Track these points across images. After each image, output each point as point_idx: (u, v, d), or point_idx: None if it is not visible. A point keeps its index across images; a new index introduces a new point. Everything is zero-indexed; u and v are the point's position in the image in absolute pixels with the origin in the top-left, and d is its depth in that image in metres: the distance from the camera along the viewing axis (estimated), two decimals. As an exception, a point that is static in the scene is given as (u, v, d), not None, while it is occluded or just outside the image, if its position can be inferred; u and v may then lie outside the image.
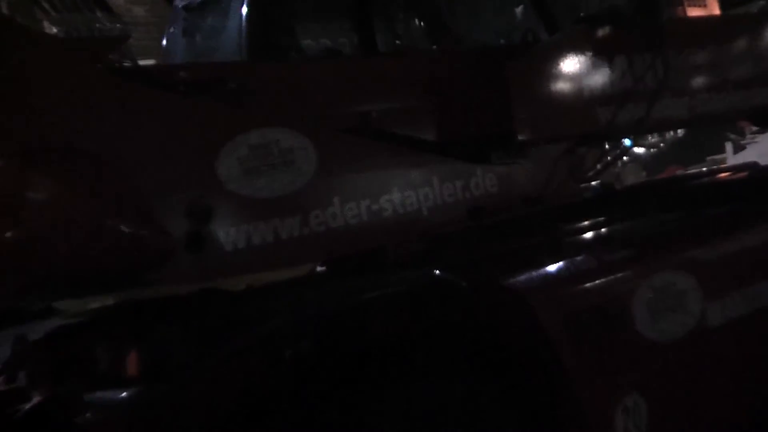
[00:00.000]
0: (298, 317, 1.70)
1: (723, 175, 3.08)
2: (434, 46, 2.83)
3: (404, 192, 1.97)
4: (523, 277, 1.83)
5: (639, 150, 8.31)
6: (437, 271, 1.84)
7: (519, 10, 2.75)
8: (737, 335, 2.09)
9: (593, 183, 2.64)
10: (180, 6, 2.77)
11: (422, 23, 2.91)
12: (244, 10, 2.29)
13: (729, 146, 7.35)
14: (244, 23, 2.28)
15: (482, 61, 2.21)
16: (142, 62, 1.88)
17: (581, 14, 2.30)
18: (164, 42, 2.88)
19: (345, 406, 1.58)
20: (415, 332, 1.72)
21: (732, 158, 6.95)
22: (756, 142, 6.36)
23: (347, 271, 1.96)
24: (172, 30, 2.80)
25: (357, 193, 1.90)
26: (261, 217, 1.77)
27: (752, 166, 2.92)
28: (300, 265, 1.94)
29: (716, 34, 2.59)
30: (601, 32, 2.18)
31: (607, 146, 2.60)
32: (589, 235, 2.26)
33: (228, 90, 1.83)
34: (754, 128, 3.11)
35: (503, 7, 2.87)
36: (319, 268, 2.06)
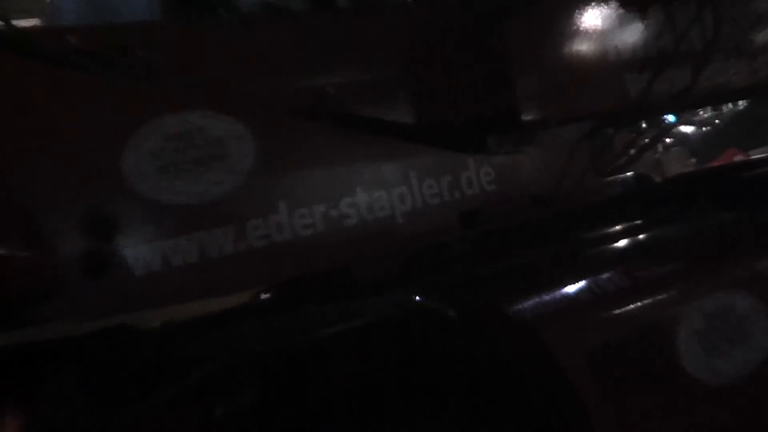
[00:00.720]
0: (234, 362, 1.64)
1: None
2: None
3: (373, 192, 1.89)
4: (532, 303, 1.73)
5: (686, 130, 7.91)
6: (417, 297, 1.78)
7: None
8: None
9: (624, 175, 2.51)
10: None
11: None
12: None
13: None
14: None
15: (475, 16, 2.09)
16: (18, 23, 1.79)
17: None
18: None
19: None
20: (389, 379, 1.65)
21: None
22: None
23: (299, 299, 1.88)
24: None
25: (310, 195, 1.83)
26: (182, 230, 1.70)
27: None
28: (236, 292, 1.86)
29: None
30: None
31: (642, 126, 2.51)
32: (619, 244, 2.15)
33: (135, 61, 1.76)
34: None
35: None
36: (262, 296, 1.99)
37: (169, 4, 2.18)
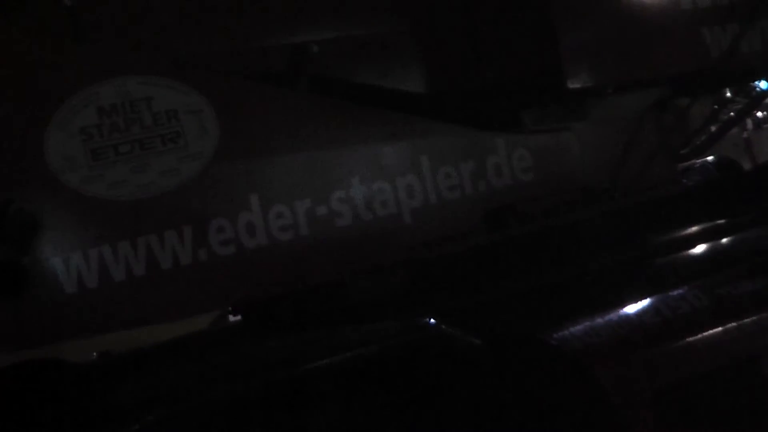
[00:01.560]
0: (191, 404, 1.67)
1: None
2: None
3: (372, 184, 1.92)
4: (578, 329, 1.75)
5: None
6: (431, 320, 1.80)
7: None
8: None
9: (703, 160, 2.54)
10: None
11: None
12: None
13: None
14: None
15: None
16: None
17: None
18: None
19: None
20: (392, 420, 1.70)
21: None
22: None
23: (277, 324, 1.92)
24: None
25: (290, 188, 1.86)
26: (123, 233, 1.72)
27: None
28: (195, 314, 1.90)
29: None
30: None
31: (726, 95, 2.55)
32: (695, 251, 2.15)
33: (62, 11, 1.79)
34: None
35: None
36: (230, 319, 2.01)
37: None
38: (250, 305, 1.95)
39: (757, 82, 2.77)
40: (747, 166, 3.15)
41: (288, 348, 1.83)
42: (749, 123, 4.84)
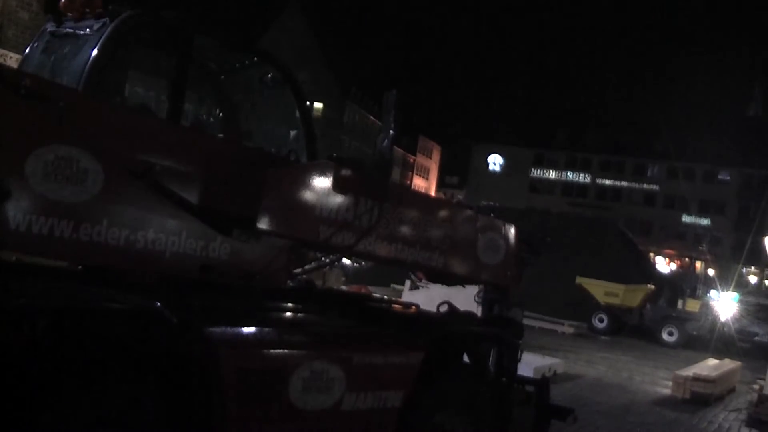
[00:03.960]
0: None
1: (396, 306, 6.17)
2: (221, 134, 4.99)
3: (157, 233, 3.93)
4: (218, 330, 3.84)
5: (347, 261, 15.94)
6: (157, 303, 3.66)
7: (293, 134, 5.16)
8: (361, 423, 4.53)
9: (301, 277, 5.11)
10: (48, 29, 4.56)
11: (220, 113, 5.17)
12: (94, 52, 4.10)
13: (408, 283, 15.66)
14: (89, 62, 4.08)
15: (252, 158, 4.40)
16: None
17: (333, 154, 4.60)
18: (27, 50, 4.66)
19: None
20: (114, 343, 3.54)
21: (407, 293, 15.11)
22: (427, 288, 11.53)
23: (95, 277, 3.89)
24: (36, 45, 4.63)
25: (122, 220, 3.80)
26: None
27: (416, 305, 6.06)
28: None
29: (424, 208, 5.16)
30: (343, 171, 4.41)
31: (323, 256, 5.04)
32: (281, 315, 4.68)
33: (54, 107, 3.55)
34: (425, 279, 6.17)
35: (282, 129, 5.28)
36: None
37: (89, 83, 4.05)
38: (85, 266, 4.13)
39: (338, 254, 5.21)
40: (319, 286, 6.01)
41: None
42: (329, 268, 8.21)
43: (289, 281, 5.01)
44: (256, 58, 5.26)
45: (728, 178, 69.67)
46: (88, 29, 4.32)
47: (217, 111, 5.20)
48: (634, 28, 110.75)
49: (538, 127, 74.94)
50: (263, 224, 4.20)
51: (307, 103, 5.23)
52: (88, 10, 4.38)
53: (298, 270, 4.97)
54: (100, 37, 4.19)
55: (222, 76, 5.31)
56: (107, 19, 4.28)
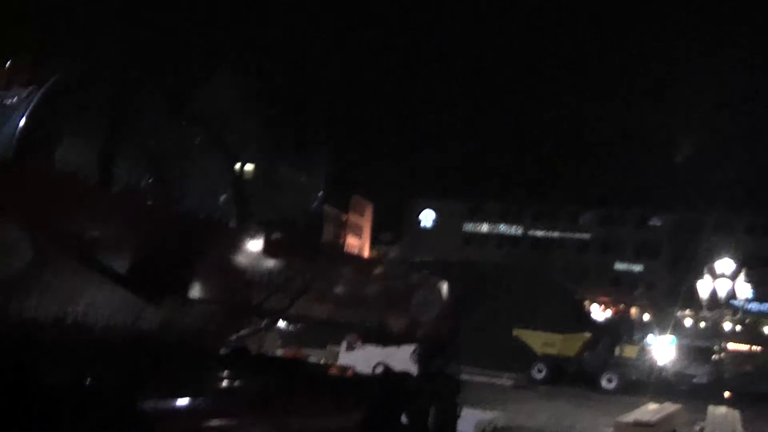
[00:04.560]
0: None
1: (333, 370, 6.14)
2: (151, 200, 4.97)
3: (86, 305, 3.90)
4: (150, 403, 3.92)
5: (282, 324, 15.64)
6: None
7: (223, 197, 5.12)
8: None
9: (237, 344, 5.07)
10: None
11: (150, 178, 5.12)
12: (23, 121, 4.08)
13: (344, 344, 16.32)
14: (17, 131, 4.06)
15: (183, 224, 4.42)
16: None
17: (264, 216, 4.67)
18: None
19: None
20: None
21: (344, 353, 15.78)
22: (363, 348, 11.82)
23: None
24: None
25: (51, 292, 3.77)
26: None
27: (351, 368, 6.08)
28: None
29: (356, 268, 5.35)
30: (274, 235, 4.48)
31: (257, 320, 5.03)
32: (216, 383, 4.68)
33: None
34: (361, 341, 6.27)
35: (212, 192, 5.22)
36: None
37: (19, 149, 4.01)
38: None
39: (271, 317, 5.24)
40: (253, 350, 5.80)
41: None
42: (265, 331, 8.11)
43: (222, 347, 5.02)
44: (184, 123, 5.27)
45: (659, 223, 71.52)
46: (16, 97, 4.30)
47: (148, 176, 5.18)
48: (555, 78, 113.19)
49: (471, 181, 76.15)
50: (194, 292, 4.22)
51: (238, 164, 5.27)
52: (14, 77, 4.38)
53: (232, 336, 5.01)
54: (28, 106, 4.17)
55: (152, 140, 5.26)
56: (32, 87, 4.26)
